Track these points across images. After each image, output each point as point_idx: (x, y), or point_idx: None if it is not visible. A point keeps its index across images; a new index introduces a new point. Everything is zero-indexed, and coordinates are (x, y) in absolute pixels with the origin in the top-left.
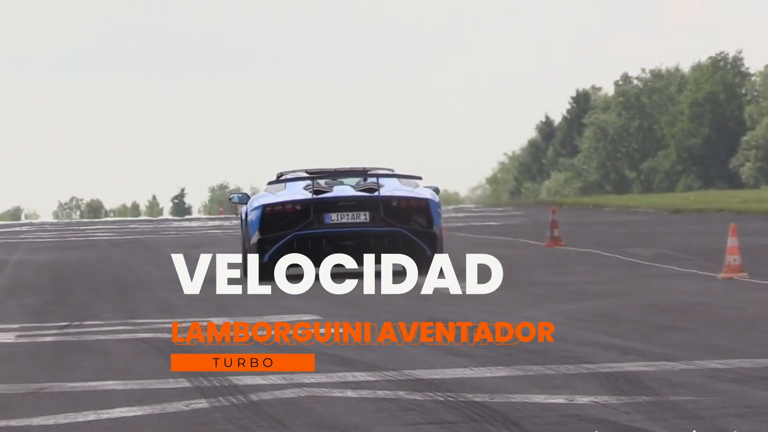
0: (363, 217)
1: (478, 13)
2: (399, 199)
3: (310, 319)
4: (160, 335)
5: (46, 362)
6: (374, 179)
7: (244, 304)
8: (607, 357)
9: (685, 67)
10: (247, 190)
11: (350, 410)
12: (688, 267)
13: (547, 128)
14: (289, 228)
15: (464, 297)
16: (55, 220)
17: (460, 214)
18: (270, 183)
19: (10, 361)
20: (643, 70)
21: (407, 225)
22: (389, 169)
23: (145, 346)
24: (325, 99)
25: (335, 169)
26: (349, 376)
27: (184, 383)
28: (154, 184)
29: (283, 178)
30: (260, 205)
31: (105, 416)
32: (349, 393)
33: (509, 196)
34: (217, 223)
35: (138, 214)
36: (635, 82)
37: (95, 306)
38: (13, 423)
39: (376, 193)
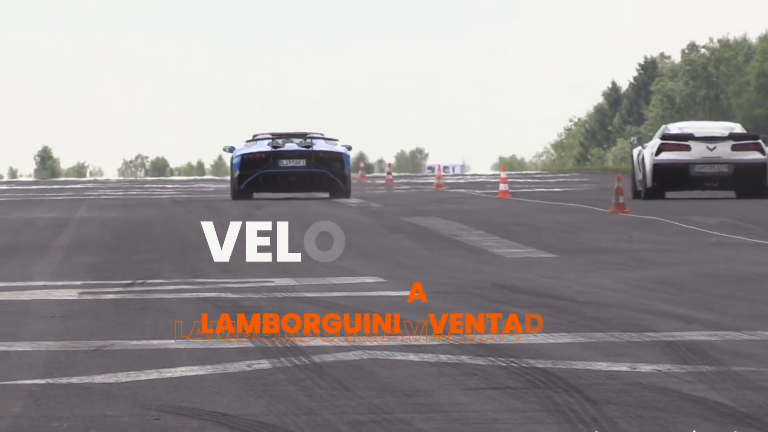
0: (302, 162)
1: None
2: (324, 152)
3: (372, 280)
4: (222, 295)
5: (109, 320)
6: (310, 140)
7: (305, 265)
8: (670, 326)
9: (753, 37)
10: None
11: (412, 374)
12: (752, 236)
13: (614, 95)
14: (257, 168)
15: (527, 261)
16: (120, 178)
17: (525, 180)
18: (247, 141)
19: (73, 318)
20: (711, 39)
21: (329, 168)
22: (320, 133)
23: (208, 306)
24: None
25: (287, 132)
26: (412, 340)
27: (246, 343)
28: (219, 143)
29: (255, 137)
30: (240, 154)
31: (167, 375)
32: (412, 356)
33: (575, 163)
34: None
35: (203, 173)
36: (702, 51)
37: (159, 265)
38: (75, 380)
39: (310, 148)
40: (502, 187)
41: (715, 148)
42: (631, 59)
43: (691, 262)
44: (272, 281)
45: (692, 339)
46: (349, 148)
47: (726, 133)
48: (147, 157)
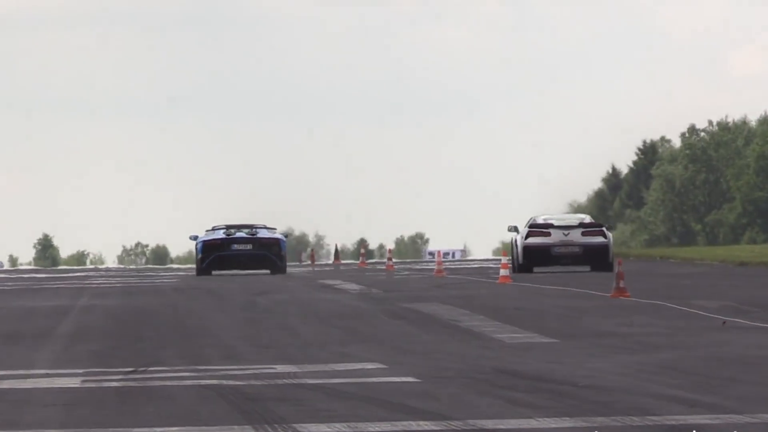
0: (249, 246)
1: (544, 61)
2: (265, 238)
3: (374, 367)
4: (225, 382)
5: (112, 407)
6: (255, 229)
7: (307, 351)
8: (672, 409)
9: (753, 120)
10: (311, 236)
11: None
12: (753, 320)
13: (613, 179)
14: (214, 251)
15: (528, 346)
16: (121, 266)
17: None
18: (206, 230)
19: (77, 406)
20: (710, 123)
21: (269, 251)
22: (263, 224)
23: (210, 393)
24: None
25: (238, 224)
26: (414, 426)
27: (249, 430)
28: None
29: (214, 227)
30: (201, 240)
31: None
32: None
33: None
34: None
35: None
36: (702, 134)
37: (160, 352)
38: None
39: (255, 236)
40: (503, 272)
41: (569, 234)
42: (630, 143)
43: (693, 345)
44: (274, 368)
45: (695, 422)
46: (286, 236)
47: (577, 223)
48: (147, 245)
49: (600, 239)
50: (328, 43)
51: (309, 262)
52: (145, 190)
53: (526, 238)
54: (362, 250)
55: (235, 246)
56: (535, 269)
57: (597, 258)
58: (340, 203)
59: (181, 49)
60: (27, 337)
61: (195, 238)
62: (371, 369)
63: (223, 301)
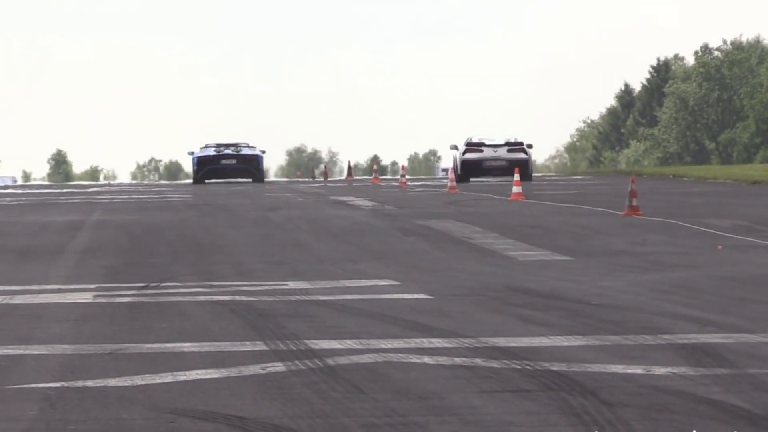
0: (234, 161)
1: None
2: (247, 155)
3: (386, 283)
4: (237, 298)
5: (124, 323)
6: (239, 147)
7: (319, 268)
8: (684, 328)
9: (766, 39)
10: (324, 153)
11: (427, 377)
12: (766, 238)
13: (626, 97)
14: (207, 165)
15: (541, 264)
16: (134, 181)
17: (538, 182)
18: (200, 147)
19: (88, 322)
20: (724, 41)
21: (250, 164)
22: (246, 143)
23: (222, 309)
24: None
25: (226, 143)
26: (426, 343)
27: (260, 346)
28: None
29: (206, 145)
30: (196, 156)
31: (182, 378)
32: (426, 359)
33: (588, 165)
34: (293, 185)
35: None
36: (716, 53)
37: (172, 268)
38: (89, 383)
39: (240, 151)
40: (516, 189)
41: (497, 150)
42: (643, 61)
43: (705, 264)
44: (286, 284)
45: (707, 342)
46: (263, 152)
47: (504, 142)
48: (160, 161)
49: (522, 155)
50: None
51: (322, 178)
52: (158, 105)
53: (464, 154)
54: (375, 167)
55: (224, 161)
56: (471, 179)
57: (520, 170)
58: (353, 120)
59: None
60: (40, 252)
61: (192, 153)
62: (383, 286)
63: (236, 216)
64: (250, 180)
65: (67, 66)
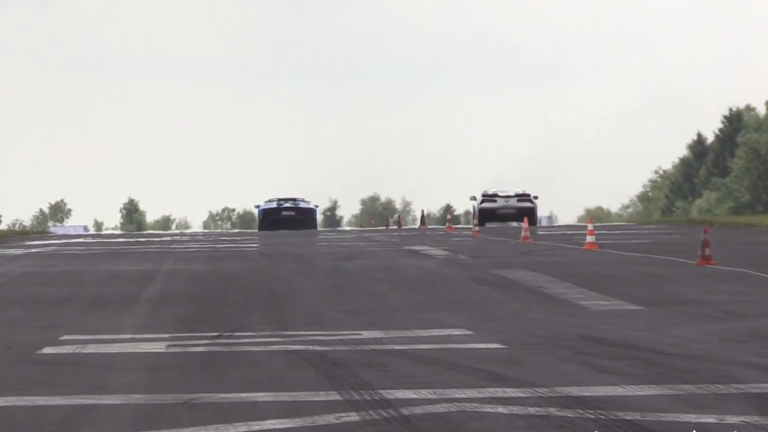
0: (293, 213)
1: (633, 29)
2: (303, 208)
3: (459, 333)
4: (311, 347)
5: (197, 373)
6: (297, 201)
7: (393, 317)
8: (757, 377)
9: None
10: (398, 202)
11: (501, 426)
12: None
13: (699, 146)
14: (270, 216)
15: (614, 313)
16: (206, 230)
17: (612, 232)
18: (265, 201)
19: (162, 371)
20: None
21: (306, 216)
22: (302, 198)
23: (296, 358)
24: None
25: (286, 198)
26: (500, 392)
27: (334, 396)
28: (306, 196)
29: (270, 200)
30: (262, 209)
31: (255, 428)
32: (500, 409)
33: (660, 214)
34: (367, 234)
35: None
36: None
37: (246, 317)
38: None
39: (298, 205)
40: (589, 239)
41: (508, 201)
42: (716, 111)
43: None
44: (360, 333)
45: None
46: (317, 206)
47: (514, 194)
48: (234, 210)
49: (529, 204)
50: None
51: (396, 227)
52: (233, 155)
53: (481, 203)
54: (449, 216)
55: (284, 213)
56: (487, 224)
57: (528, 217)
58: (426, 169)
59: (262, 14)
60: (112, 301)
61: (258, 206)
62: (457, 335)
63: (309, 266)
64: (306, 230)
65: (139, 114)
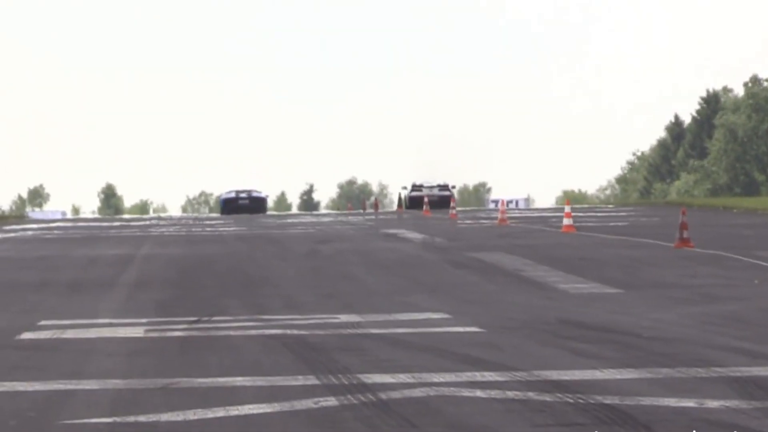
0: (247, 201)
1: (608, 12)
2: (257, 197)
3: (437, 316)
4: (288, 332)
5: (175, 357)
6: (251, 191)
7: (371, 301)
8: (736, 361)
9: None
10: (376, 185)
11: (479, 411)
12: None
13: (676, 129)
14: (230, 204)
15: (592, 296)
16: (184, 214)
17: (589, 214)
18: (225, 192)
19: (140, 356)
20: None
21: (259, 204)
22: (256, 190)
23: (274, 342)
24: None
25: (242, 189)
26: (478, 376)
27: (312, 380)
28: (282, 180)
29: (228, 191)
30: (222, 198)
31: (234, 413)
32: (479, 393)
33: (638, 196)
34: (344, 218)
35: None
36: (765, 84)
37: (223, 301)
38: (142, 418)
39: (252, 194)
40: (567, 221)
41: (432, 190)
42: (693, 93)
43: (756, 297)
44: (337, 317)
45: (759, 374)
46: (267, 196)
47: (436, 185)
48: (211, 194)
49: (447, 193)
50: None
51: (372, 210)
52: (210, 140)
53: (410, 192)
54: (426, 199)
55: (240, 201)
56: (414, 209)
57: (443, 203)
58: (402, 152)
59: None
60: (90, 286)
61: (219, 196)
62: (435, 319)
63: (285, 249)
64: (260, 213)
65: (116, 100)
